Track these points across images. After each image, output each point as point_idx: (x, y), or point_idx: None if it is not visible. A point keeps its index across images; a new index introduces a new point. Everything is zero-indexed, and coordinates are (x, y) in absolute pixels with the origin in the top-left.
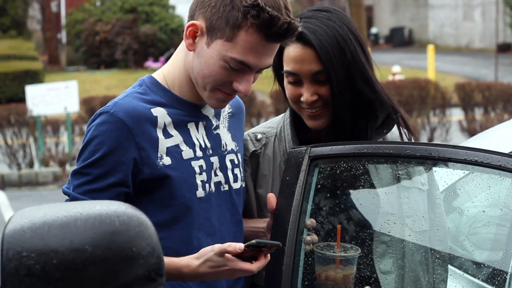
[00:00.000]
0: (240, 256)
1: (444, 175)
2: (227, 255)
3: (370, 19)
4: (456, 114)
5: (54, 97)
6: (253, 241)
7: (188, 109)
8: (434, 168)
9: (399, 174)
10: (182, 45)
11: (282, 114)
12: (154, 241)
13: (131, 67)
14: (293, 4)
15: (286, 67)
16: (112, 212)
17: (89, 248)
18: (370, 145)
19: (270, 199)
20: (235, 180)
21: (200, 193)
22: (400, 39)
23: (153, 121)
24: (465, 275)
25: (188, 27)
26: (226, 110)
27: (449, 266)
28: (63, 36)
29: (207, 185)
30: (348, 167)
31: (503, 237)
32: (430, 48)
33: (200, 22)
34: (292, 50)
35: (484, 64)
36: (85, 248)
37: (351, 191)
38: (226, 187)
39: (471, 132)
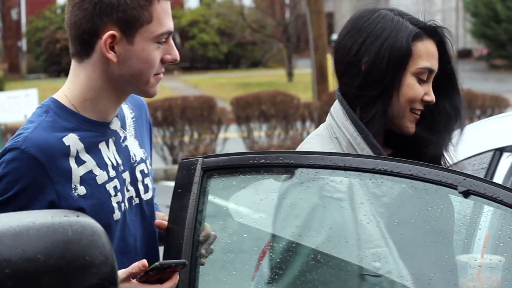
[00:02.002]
0: (149, 281)
1: (359, 185)
2: (133, 281)
3: (331, 26)
4: None
5: (14, 105)
6: (156, 263)
7: (98, 129)
8: (341, 178)
9: (299, 183)
10: (83, 67)
11: (315, 143)
12: (107, 250)
13: None
14: (255, 11)
15: (424, 63)
16: (65, 221)
17: (42, 257)
18: (269, 155)
19: (159, 225)
20: (146, 191)
21: (116, 215)
22: None
23: (66, 152)
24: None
25: (105, 41)
26: (129, 116)
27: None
28: (23, 44)
29: (122, 204)
30: (245, 178)
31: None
32: None
33: (111, 31)
34: (430, 46)
35: None
36: (38, 257)
37: (250, 202)
38: (137, 200)
39: None
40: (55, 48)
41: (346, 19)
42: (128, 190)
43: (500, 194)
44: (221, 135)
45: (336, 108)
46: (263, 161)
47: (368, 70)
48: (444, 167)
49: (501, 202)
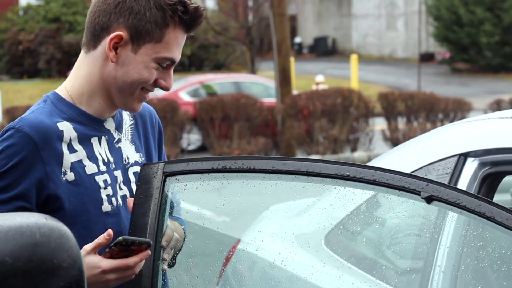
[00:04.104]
0: (113, 257)
1: (320, 190)
2: (98, 256)
3: (294, 29)
4: (379, 123)
5: None
6: (120, 238)
7: (92, 124)
8: (303, 184)
9: (262, 189)
10: (87, 59)
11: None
12: (75, 253)
13: (54, 77)
14: (218, 13)
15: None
16: (33, 224)
17: (9, 260)
18: (232, 160)
19: (129, 204)
20: None
21: (106, 207)
22: (324, 49)
23: (59, 135)
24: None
25: (111, 39)
26: (128, 122)
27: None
28: None
29: (113, 199)
30: (207, 183)
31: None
32: (353, 57)
33: (121, 32)
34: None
35: (407, 73)
36: (6, 260)
37: (213, 207)
38: None
39: (394, 141)
40: (18, 49)
41: (309, 21)
42: (121, 189)
43: (462, 200)
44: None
45: None
46: (225, 166)
47: None
48: (407, 173)
49: (463, 208)
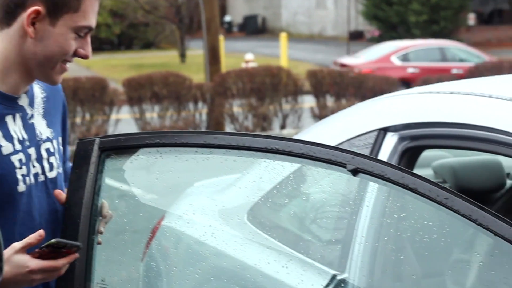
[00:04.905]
0: (42, 257)
1: (250, 163)
2: (27, 255)
3: (224, 8)
4: (308, 101)
5: None
6: (53, 240)
7: (6, 102)
8: (234, 158)
9: (194, 164)
10: (1, 37)
11: None
12: None
13: None
14: None
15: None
16: None
17: None
18: (165, 135)
19: (58, 196)
20: (51, 169)
21: (21, 187)
22: (254, 27)
23: None
24: (308, 259)
25: (29, 15)
26: (40, 96)
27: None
28: None
29: (27, 178)
30: (141, 158)
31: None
32: (283, 35)
33: (38, 7)
34: None
35: (336, 51)
36: None
37: (144, 182)
38: (43, 178)
39: (322, 118)
40: None
41: (239, 0)
42: (34, 166)
43: (387, 172)
44: (113, 117)
45: None
46: (158, 141)
47: None
48: (334, 146)
49: (388, 180)
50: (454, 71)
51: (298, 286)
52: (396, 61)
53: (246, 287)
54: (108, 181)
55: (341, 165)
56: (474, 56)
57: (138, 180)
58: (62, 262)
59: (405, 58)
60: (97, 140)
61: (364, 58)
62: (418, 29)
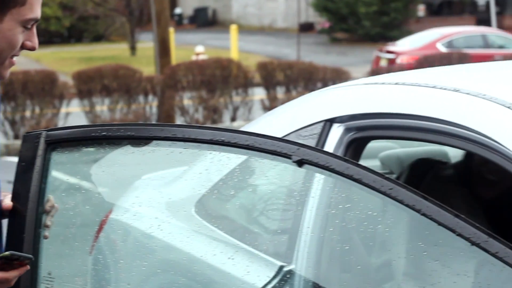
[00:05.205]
0: None
1: (196, 155)
2: None
3: (174, 0)
4: (259, 93)
5: None
6: (7, 253)
7: None
8: (180, 150)
9: (140, 156)
10: None
11: None
12: None
13: None
14: None
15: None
16: None
17: None
18: (111, 127)
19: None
20: None
21: None
22: (204, 19)
23: None
24: (255, 251)
25: None
26: None
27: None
28: None
29: None
30: (88, 151)
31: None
32: (233, 28)
33: None
34: None
35: (287, 43)
36: None
37: (91, 175)
38: None
39: None
40: None
41: None
42: None
43: (332, 163)
44: (63, 110)
45: None
46: (105, 133)
47: None
48: (279, 137)
49: (333, 171)
50: (497, 57)
51: (244, 278)
52: (441, 48)
53: (193, 279)
54: (55, 174)
55: (286, 156)
56: None
57: (84, 173)
58: (13, 275)
59: (450, 45)
60: (44, 133)
61: (408, 45)
62: (368, 20)
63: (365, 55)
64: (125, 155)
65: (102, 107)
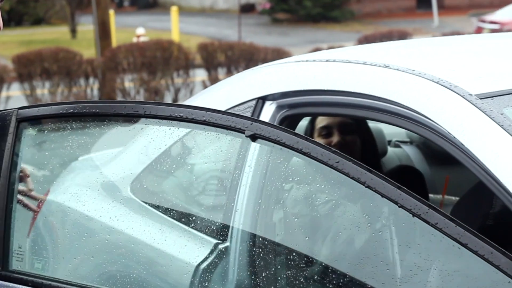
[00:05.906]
0: None
1: (158, 131)
2: None
3: None
4: (200, 75)
5: None
6: None
7: None
8: (142, 126)
9: (107, 132)
10: None
11: None
12: None
13: None
14: None
15: None
16: None
17: None
18: (77, 105)
19: None
20: None
21: None
22: (145, 2)
23: None
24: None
25: None
26: None
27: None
28: None
29: None
30: (56, 128)
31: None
32: (174, 9)
33: None
34: None
35: (228, 24)
36: None
37: (60, 152)
38: None
39: None
40: None
41: None
42: None
43: (283, 137)
44: (4, 94)
45: None
46: (71, 111)
47: None
48: (235, 113)
49: (283, 145)
50: None
51: (179, 256)
52: None
53: (130, 259)
54: (26, 151)
55: (240, 131)
56: None
57: (59, 150)
58: None
59: None
60: (15, 111)
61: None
62: (309, 0)
63: (306, 36)
64: (89, 132)
65: (43, 90)
